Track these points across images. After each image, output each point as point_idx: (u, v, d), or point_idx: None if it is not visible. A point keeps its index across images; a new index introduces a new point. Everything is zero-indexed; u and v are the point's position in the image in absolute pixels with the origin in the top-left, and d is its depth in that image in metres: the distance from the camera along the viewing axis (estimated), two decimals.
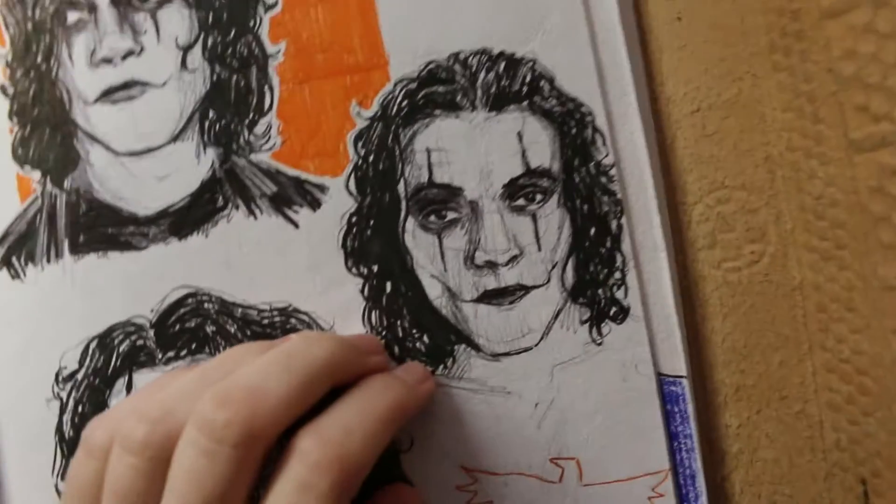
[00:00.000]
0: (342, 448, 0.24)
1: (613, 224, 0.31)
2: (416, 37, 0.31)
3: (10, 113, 0.30)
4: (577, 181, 0.31)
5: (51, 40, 0.30)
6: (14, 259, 0.30)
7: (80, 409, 0.29)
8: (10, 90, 0.30)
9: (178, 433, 0.24)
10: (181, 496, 0.23)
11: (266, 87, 0.30)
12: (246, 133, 0.30)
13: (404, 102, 0.30)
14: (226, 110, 0.30)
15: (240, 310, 0.30)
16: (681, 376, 0.30)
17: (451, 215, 0.30)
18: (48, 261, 0.30)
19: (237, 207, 0.30)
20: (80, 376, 0.29)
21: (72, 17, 0.30)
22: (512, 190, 0.30)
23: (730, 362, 0.31)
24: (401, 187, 0.30)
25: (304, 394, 0.25)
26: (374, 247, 0.30)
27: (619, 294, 0.30)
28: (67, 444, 0.29)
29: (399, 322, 0.30)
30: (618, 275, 0.30)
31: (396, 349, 0.30)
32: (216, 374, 0.25)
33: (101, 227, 0.30)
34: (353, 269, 0.30)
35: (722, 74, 0.31)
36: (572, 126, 0.31)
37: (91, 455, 0.25)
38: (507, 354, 0.30)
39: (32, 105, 0.30)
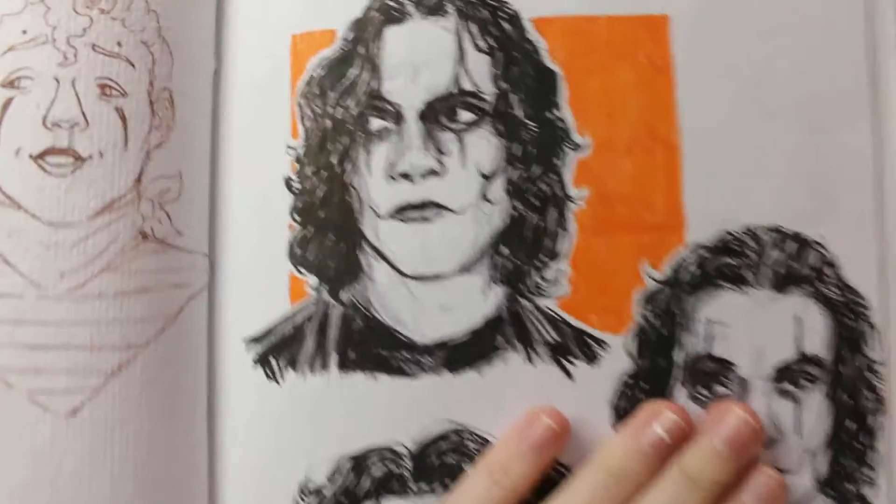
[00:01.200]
0: None
1: (872, 421, 0.30)
2: (714, 204, 0.30)
3: (292, 210, 0.29)
4: (844, 373, 0.30)
5: (350, 143, 0.29)
6: (272, 359, 0.29)
7: None
8: (297, 186, 0.29)
9: None
10: None
11: (563, 232, 0.29)
12: (536, 275, 0.29)
13: (695, 270, 0.30)
14: (519, 249, 0.29)
15: None
16: None
17: (720, 390, 0.30)
18: (312, 371, 0.29)
19: (516, 350, 0.29)
20: (326, 492, 0.29)
21: (376, 124, 0.29)
22: (782, 373, 0.30)
23: None
24: (677, 355, 0.30)
25: None
26: None
27: (867, 491, 0.30)
28: None
29: None
30: (869, 472, 0.30)
31: None
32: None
33: (375, 348, 0.29)
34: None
35: None
36: (849, 317, 0.30)
37: None
38: None
39: (319, 207, 0.29)
